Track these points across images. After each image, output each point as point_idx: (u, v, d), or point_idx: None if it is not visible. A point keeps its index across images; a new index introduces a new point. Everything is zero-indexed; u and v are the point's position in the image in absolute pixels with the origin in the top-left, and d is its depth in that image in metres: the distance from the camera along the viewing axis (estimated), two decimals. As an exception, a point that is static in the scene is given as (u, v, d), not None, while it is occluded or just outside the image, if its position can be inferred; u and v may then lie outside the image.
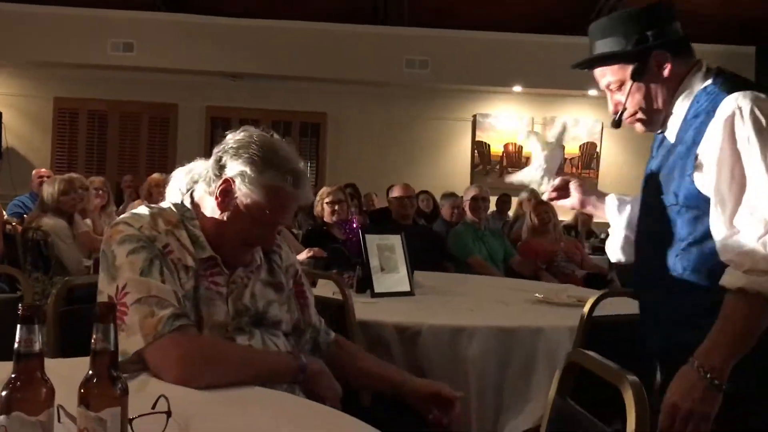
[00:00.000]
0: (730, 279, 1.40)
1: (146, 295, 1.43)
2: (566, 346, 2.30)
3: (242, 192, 1.53)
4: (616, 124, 1.64)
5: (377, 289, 2.91)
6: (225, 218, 1.56)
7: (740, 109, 1.42)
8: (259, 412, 1.32)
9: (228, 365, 1.45)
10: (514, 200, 7.78)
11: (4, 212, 4.78)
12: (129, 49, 8.37)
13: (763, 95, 1.47)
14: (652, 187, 1.63)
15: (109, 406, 0.98)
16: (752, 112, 1.41)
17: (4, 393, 0.96)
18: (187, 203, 1.62)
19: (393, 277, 3.01)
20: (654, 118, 1.61)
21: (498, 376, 2.29)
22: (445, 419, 1.68)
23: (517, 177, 2.05)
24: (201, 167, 1.66)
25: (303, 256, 3.52)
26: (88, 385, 0.99)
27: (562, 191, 1.91)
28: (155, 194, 4.98)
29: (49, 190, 4.56)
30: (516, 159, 9.37)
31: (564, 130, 2.01)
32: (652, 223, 1.62)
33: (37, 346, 0.97)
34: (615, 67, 1.60)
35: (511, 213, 7.67)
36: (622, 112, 1.61)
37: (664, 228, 1.56)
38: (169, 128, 9.03)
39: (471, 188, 5.10)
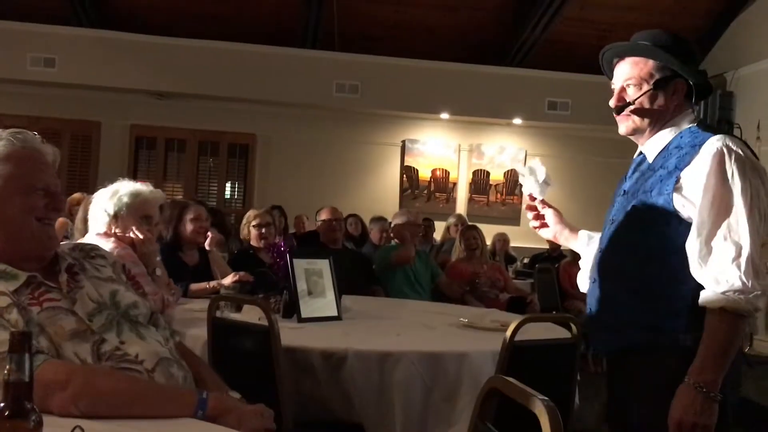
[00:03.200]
0: (710, 300, 1.58)
1: None
2: (489, 370, 2.35)
3: None
4: (618, 111, 1.82)
5: (304, 314, 2.89)
6: (1, 217, 1.52)
7: (727, 147, 1.63)
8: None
9: (112, 386, 1.42)
10: (438, 225, 7.90)
11: None
12: (50, 65, 8.09)
13: (739, 140, 1.69)
14: (624, 204, 1.81)
15: (22, 439, 0.95)
16: (737, 152, 1.63)
17: None
18: None
19: (320, 301, 3.00)
20: (642, 123, 1.80)
21: (423, 400, 2.31)
22: None
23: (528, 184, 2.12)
24: None
25: (228, 280, 3.48)
26: (1, 417, 0.96)
27: (542, 220, 2.08)
28: (75, 213, 4.80)
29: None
30: (443, 184, 9.53)
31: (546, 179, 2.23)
32: (622, 234, 1.79)
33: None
34: (647, 67, 1.76)
35: (437, 237, 7.78)
36: (626, 105, 1.79)
37: (633, 239, 1.74)
38: (91, 146, 8.77)
39: (403, 213, 5.10)
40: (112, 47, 8.20)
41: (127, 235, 2.73)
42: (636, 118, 1.79)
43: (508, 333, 2.26)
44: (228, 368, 2.16)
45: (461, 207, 9.45)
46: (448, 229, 7.07)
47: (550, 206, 2.09)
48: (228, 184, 9.44)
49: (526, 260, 7.65)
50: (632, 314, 1.71)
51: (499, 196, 9.58)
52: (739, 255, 1.57)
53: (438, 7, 8.46)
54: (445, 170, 9.53)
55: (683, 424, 1.56)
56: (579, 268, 2.04)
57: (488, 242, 7.41)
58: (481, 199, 9.60)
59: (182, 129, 8.98)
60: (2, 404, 0.97)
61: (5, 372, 0.98)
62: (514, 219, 9.38)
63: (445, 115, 9.15)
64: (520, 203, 9.49)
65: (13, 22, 8.01)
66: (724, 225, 1.59)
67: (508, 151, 9.60)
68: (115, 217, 2.74)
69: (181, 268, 3.49)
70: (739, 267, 1.56)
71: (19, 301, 1.47)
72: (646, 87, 1.76)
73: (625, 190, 1.84)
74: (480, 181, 9.59)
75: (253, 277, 3.53)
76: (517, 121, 9.22)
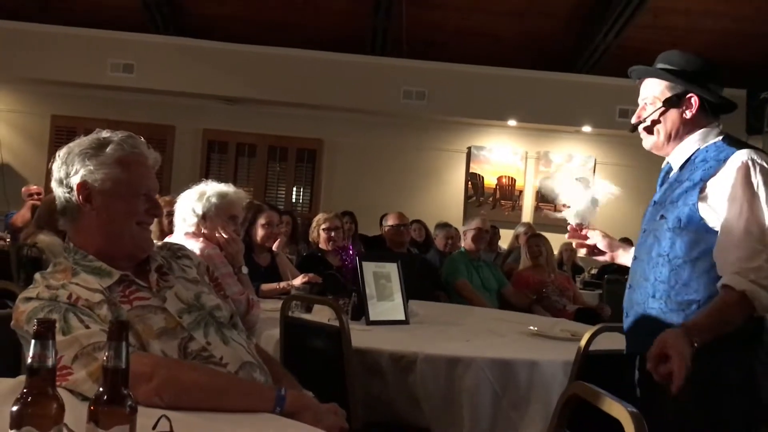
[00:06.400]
0: (737, 282, 1.68)
1: (80, 349, 1.41)
2: (561, 379, 2.32)
3: (99, 181, 1.58)
4: (632, 128, 2.00)
5: (372, 316, 2.92)
6: (105, 217, 1.59)
7: (752, 160, 1.79)
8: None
9: (195, 379, 1.46)
10: (503, 233, 7.82)
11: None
12: (129, 71, 8.40)
13: (764, 153, 1.83)
14: (654, 214, 1.94)
15: (118, 424, 1.00)
16: (762, 165, 1.78)
17: (15, 408, 0.97)
18: (71, 245, 1.63)
19: (388, 304, 3.02)
20: (655, 140, 1.96)
21: (492, 408, 2.30)
22: None
23: (570, 212, 2.24)
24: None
25: (298, 281, 3.54)
26: (99, 402, 1.00)
27: (593, 246, 2.19)
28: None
29: (44, 208, 4.56)
30: (509, 191, 9.43)
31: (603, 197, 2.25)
32: (652, 243, 1.91)
33: (50, 362, 0.99)
34: (661, 87, 1.93)
35: (503, 245, 7.70)
36: (640, 123, 1.96)
37: (664, 247, 1.86)
38: (165, 150, 9.04)
39: (476, 220, 5.09)
40: (187, 54, 8.46)
41: (215, 234, 2.81)
42: (651, 136, 1.95)
43: (582, 342, 2.22)
44: (299, 367, 2.20)
45: (527, 215, 9.32)
46: (516, 237, 6.98)
47: (593, 229, 2.20)
48: (295, 189, 9.59)
49: (594, 271, 7.49)
50: (663, 319, 1.83)
51: (566, 205, 9.40)
52: (764, 254, 1.70)
53: (505, 14, 8.38)
54: (512, 178, 9.43)
55: (667, 343, 1.64)
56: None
57: (555, 252, 7.29)
58: (548, 208, 9.45)
59: (252, 134, 9.17)
60: (101, 389, 1.01)
61: (104, 359, 1.02)
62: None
63: (512, 122, 9.06)
64: (588, 212, 9.28)
65: (94, 29, 8.35)
66: (754, 230, 1.72)
67: (576, 159, 9.43)
68: (204, 218, 2.83)
69: (254, 269, 3.57)
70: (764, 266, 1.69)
71: (111, 297, 1.54)
72: (658, 105, 1.92)
73: (655, 201, 1.97)
74: (547, 189, 9.45)
75: (321, 278, 3.59)
76: (587, 128, 9.05)
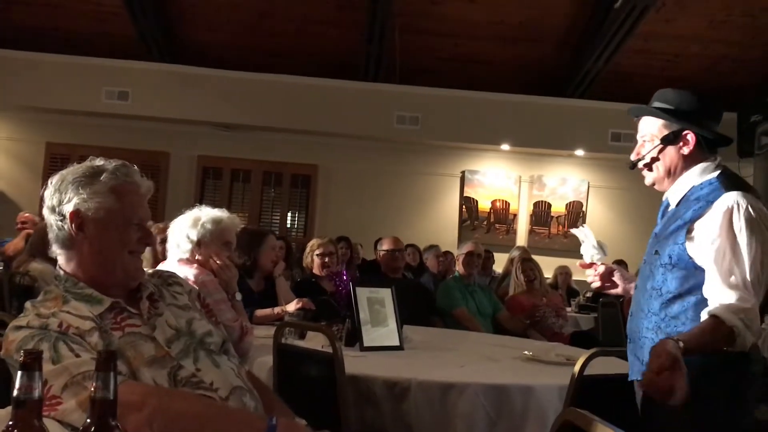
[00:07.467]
0: (728, 317, 1.76)
1: (70, 378, 1.40)
2: (556, 404, 2.31)
3: (93, 210, 1.58)
4: (632, 166, 2.07)
5: (366, 342, 2.90)
6: (97, 246, 1.59)
7: (738, 204, 1.84)
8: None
9: (186, 408, 1.45)
10: (497, 256, 7.81)
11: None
12: (124, 98, 8.43)
13: (754, 196, 1.88)
14: (652, 247, 2.02)
15: (106, 455, 0.98)
16: (747, 210, 1.83)
17: (1, 440, 0.95)
18: (61, 273, 1.64)
19: (382, 330, 3.01)
20: (656, 176, 2.02)
21: (487, 434, 2.28)
22: None
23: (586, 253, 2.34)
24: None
25: (292, 307, 3.52)
26: (86, 434, 0.99)
27: (607, 280, 2.26)
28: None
29: (37, 236, 4.54)
30: (503, 215, 9.45)
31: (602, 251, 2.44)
32: (648, 276, 1.99)
33: (36, 393, 0.98)
34: (658, 125, 2.00)
35: (497, 269, 7.68)
36: (640, 160, 2.03)
37: (657, 281, 1.95)
38: (160, 176, 9.04)
39: (468, 243, 5.11)
40: (182, 81, 8.50)
41: (209, 261, 2.80)
42: (652, 172, 2.02)
43: (577, 367, 2.21)
44: (292, 394, 2.19)
45: (521, 239, 9.34)
46: (511, 261, 6.98)
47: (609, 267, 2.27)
48: (289, 214, 9.59)
49: (588, 294, 7.47)
50: (652, 345, 1.83)
51: (560, 228, 9.42)
52: (751, 299, 1.79)
53: (497, 40, 8.47)
54: (505, 201, 9.45)
55: (661, 353, 1.68)
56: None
57: (549, 275, 7.28)
58: (542, 231, 9.47)
59: (247, 160, 9.19)
60: (88, 421, 1.00)
61: (92, 390, 1.01)
62: (577, 251, 9.16)
63: (505, 147, 9.10)
64: (583, 236, 9.29)
65: (90, 57, 8.39)
66: (738, 274, 1.80)
67: (570, 182, 9.47)
68: (198, 244, 2.82)
69: (247, 295, 3.55)
70: (754, 308, 1.79)
71: (102, 325, 1.53)
72: (656, 142, 1.99)
73: (655, 233, 2.04)
74: (541, 213, 9.47)
75: (315, 304, 3.57)
76: (579, 152, 9.10)
